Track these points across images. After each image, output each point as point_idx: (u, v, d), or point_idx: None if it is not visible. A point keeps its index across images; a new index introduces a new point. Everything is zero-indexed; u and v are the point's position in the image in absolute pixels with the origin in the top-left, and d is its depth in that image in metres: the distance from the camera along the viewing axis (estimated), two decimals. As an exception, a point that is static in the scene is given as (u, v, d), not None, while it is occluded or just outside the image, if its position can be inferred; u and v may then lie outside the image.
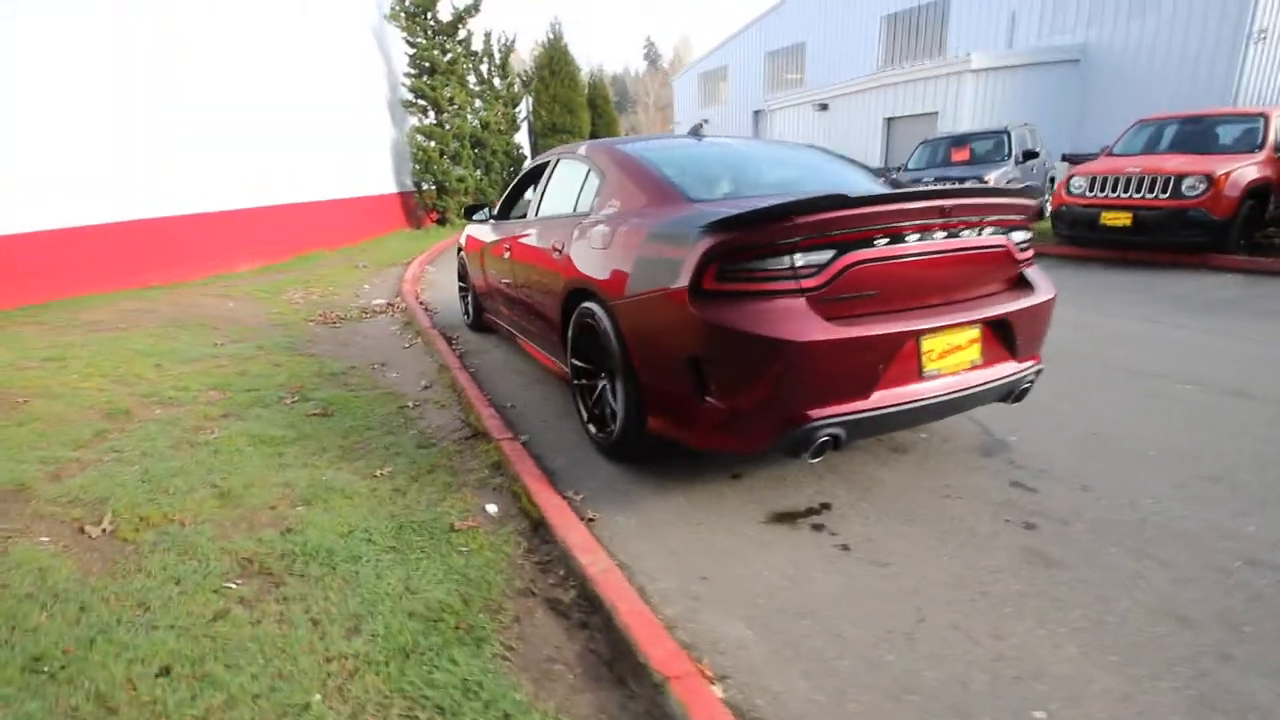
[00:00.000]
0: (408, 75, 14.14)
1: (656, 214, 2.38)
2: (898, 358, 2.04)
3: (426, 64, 14.10)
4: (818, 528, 2.16)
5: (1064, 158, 11.92)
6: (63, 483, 2.29)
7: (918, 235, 2.06)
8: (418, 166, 14.17)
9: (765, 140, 3.61)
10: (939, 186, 2.62)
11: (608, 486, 2.53)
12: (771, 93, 24.17)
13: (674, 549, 2.06)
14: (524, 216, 4.48)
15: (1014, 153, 9.01)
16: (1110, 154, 7.78)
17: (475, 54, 17.57)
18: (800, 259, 1.96)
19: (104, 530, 2.00)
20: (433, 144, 14.27)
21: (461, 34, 15.15)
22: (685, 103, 30.75)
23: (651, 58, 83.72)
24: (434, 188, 14.55)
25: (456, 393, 3.55)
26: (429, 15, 14.18)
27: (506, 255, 3.81)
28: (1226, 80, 12.54)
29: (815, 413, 1.98)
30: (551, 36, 35.50)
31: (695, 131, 4.08)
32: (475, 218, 4.51)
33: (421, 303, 6.60)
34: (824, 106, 18.10)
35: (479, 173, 16.70)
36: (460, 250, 5.35)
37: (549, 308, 3.17)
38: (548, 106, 34.39)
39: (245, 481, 2.36)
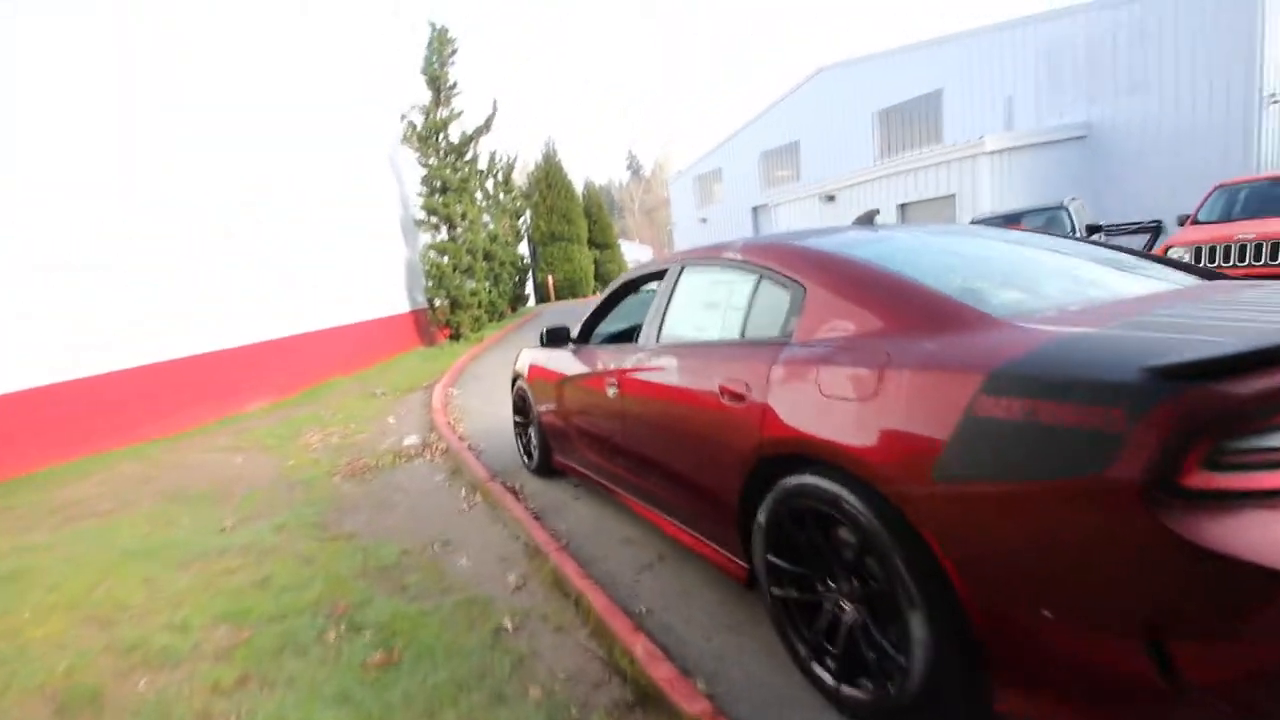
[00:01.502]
0: (420, 194, 14.00)
1: (964, 342, 1.48)
2: None
3: (438, 183, 14.00)
4: None
5: (1089, 230, 11.51)
6: None
7: None
8: (430, 283, 13.70)
9: (969, 228, 2.79)
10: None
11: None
12: (767, 189, 24.63)
13: None
14: (632, 340, 3.64)
15: (1078, 229, 8.46)
16: (1195, 222, 7.20)
17: (481, 172, 17.72)
18: (1378, 425, 1.04)
19: None
20: (446, 259, 13.89)
21: (469, 154, 15.24)
22: (682, 204, 31.45)
23: (634, 168, 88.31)
24: (447, 303, 14.03)
25: (571, 600, 2.51)
26: (441, 137, 14.26)
27: (612, 392, 2.91)
28: (1245, 148, 12.43)
29: None
30: (546, 153, 37.22)
31: (868, 220, 3.22)
32: (548, 343, 3.64)
33: (461, 438, 5.64)
34: (830, 198, 18.14)
35: (487, 285, 16.32)
36: (517, 380, 4.46)
37: (710, 471, 2.22)
38: (545, 217, 35.41)
39: None
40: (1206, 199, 7.28)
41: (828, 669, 1.80)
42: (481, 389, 8.45)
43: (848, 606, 1.76)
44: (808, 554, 1.86)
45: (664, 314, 2.74)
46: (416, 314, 13.87)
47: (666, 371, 2.49)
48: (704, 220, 29.31)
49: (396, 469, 4.92)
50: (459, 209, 14.00)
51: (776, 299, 2.10)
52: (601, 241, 39.81)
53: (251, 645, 2.20)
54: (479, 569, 2.90)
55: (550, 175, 35.45)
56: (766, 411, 1.88)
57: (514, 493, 3.96)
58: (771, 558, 1.97)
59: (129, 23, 6.61)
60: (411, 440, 5.79)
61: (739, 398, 2.01)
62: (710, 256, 2.58)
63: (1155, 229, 8.87)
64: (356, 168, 11.87)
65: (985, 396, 1.31)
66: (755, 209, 25.86)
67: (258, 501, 4.09)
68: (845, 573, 1.75)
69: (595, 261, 38.25)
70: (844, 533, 1.74)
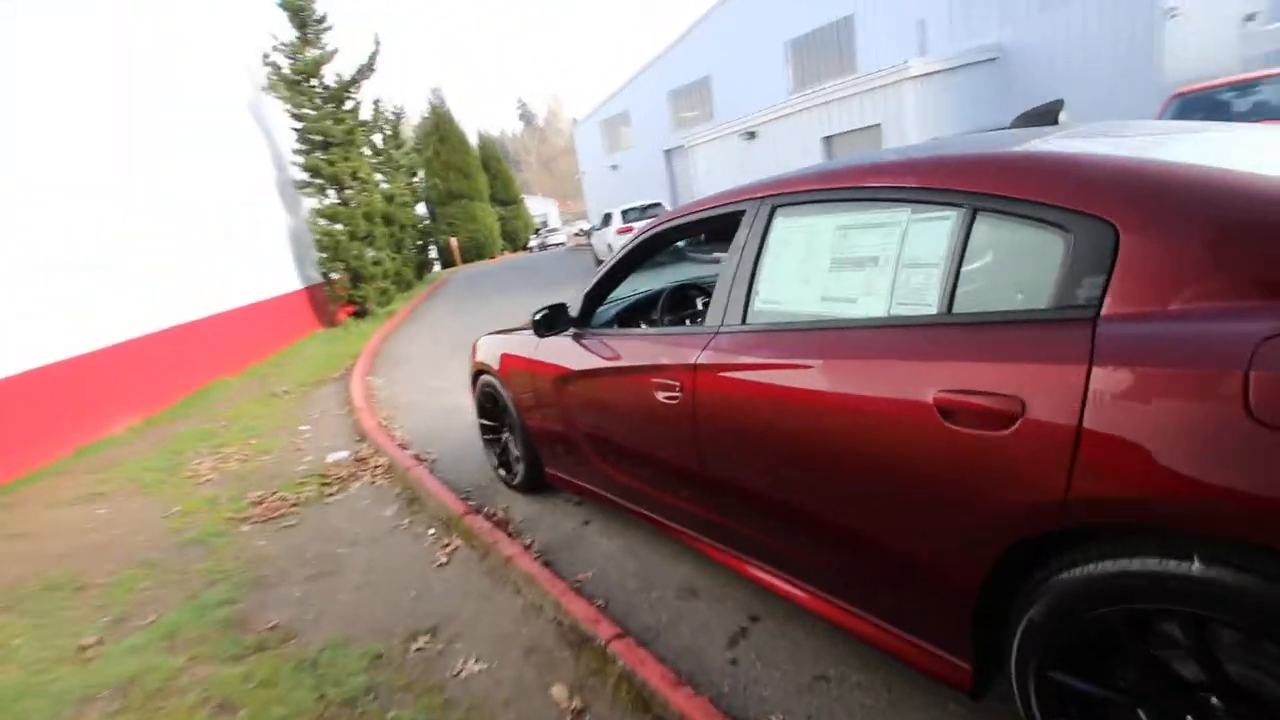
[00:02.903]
0: (298, 152, 11.96)
1: None
2: None
3: (319, 137, 12.00)
4: None
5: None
6: None
7: None
8: (324, 255, 11.90)
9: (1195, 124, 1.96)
10: None
11: None
12: (678, 131, 23.59)
13: None
14: (653, 317, 2.75)
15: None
16: (1154, 134, 6.97)
17: (367, 123, 15.64)
18: None
19: None
20: (339, 226, 12.08)
21: (350, 103, 13.21)
22: (589, 151, 29.83)
23: (526, 117, 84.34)
24: (347, 276, 12.30)
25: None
26: (314, 82, 12.16)
27: (667, 397, 1.99)
28: (1148, 60, 12.71)
29: None
30: (434, 102, 34.13)
31: (1050, 118, 2.33)
32: (541, 328, 2.61)
33: (403, 445, 4.54)
34: (751, 135, 17.42)
35: (390, 252, 14.60)
36: (481, 375, 3.43)
37: (913, 530, 1.39)
38: (441, 174, 32.81)
39: None
40: (1166, 108, 7.07)
41: None
42: (409, 374, 7.23)
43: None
44: (1150, 678, 1.10)
45: (751, 279, 1.82)
46: (311, 291, 12.05)
47: (792, 371, 1.60)
48: (615, 167, 27.95)
49: (327, 502, 3.79)
50: (347, 166, 12.12)
51: (1029, 247, 1.24)
52: (505, 197, 37.50)
53: None
54: (501, 678, 1.96)
55: (441, 127, 32.56)
56: (1084, 444, 1.05)
57: (504, 527, 2.99)
58: (1060, 676, 1.19)
59: None
60: (339, 456, 4.61)
61: (1001, 419, 1.16)
62: (833, 186, 1.66)
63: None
64: (216, 123, 9.77)
65: None
66: (668, 152, 24.78)
67: (134, 586, 2.88)
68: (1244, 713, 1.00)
69: (500, 219, 36.00)
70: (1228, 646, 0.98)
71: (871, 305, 1.50)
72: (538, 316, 2.52)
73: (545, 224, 44.46)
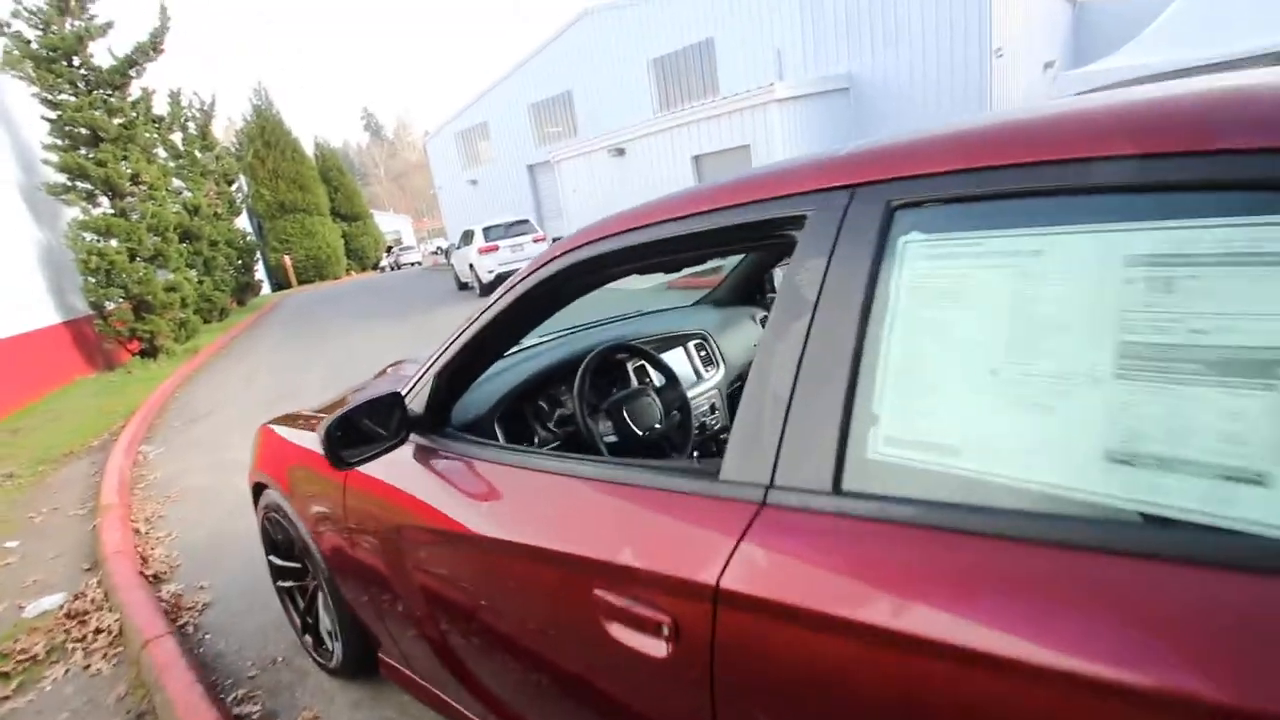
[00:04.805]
0: (51, 149, 9.27)
1: None
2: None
3: (83, 130, 9.40)
4: None
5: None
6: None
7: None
8: (93, 279, 9.28)
9: None
10: None
11: None
12: (542, 146, 22.53)
13: None
14: (635, 421, 1.62)
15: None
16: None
17: (160, 119, 12.92)
18: None
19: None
20: (114, 243, 9.51)
21: (135, 92, 10.64)
22: (444, 165, 27.73)
23: (373, 128, 79.24)
24: (128, 305, 9.72)
25: None
26: (76, 62, 9.55)
27: (650, 642, 0.86)
28: (980, 95, 13.73)
29: None
30: (258, 105, 30.13)
31: None
32: (349, 440, 1.35)
33: (158, 578, 2.96)
34: (620, 151, 16.76)
35: (194, 273, 12.03)
36: (264, 493, 2.07)
37: None
38: (268, 184, 29.00)
39: None
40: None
41: None
42: (205, 438, 5.42)
43: None
44: None
45: (852, 384, 0.75)
46: (75, 325, 9.35)
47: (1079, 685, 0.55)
48: (474, 182, 26.19)
49: (-11, 719, 2.17)
50: (125, 168, 9.60)
51: None
52: (349, 212, 34.06)
53: None
54: None
55: (268, 132, 28.74)
56: None
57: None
58: None
59: None
60: (45, 605, 2.91)
61: None
62: (1101, 155, 0.63)
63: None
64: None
65: None
66: (532, 167, 23.56)
67: None
68: None
69: (345, 236, 32.50)
70: None
71: None
72: (328, 433, 1.26)
73: (399, 241, 41.20)
